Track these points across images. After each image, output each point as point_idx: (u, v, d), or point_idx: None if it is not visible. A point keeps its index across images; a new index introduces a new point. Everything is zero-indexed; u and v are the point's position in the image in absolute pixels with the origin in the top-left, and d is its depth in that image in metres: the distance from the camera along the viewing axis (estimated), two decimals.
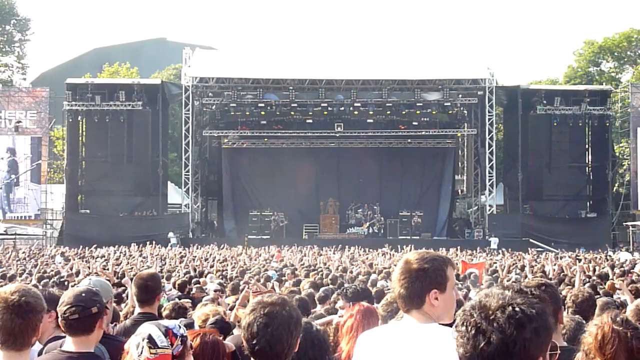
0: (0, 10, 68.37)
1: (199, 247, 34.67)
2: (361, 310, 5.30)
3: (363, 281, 13.38)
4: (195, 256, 28.11)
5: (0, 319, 3.93)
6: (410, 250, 19.54)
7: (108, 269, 17.80)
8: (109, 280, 8.44)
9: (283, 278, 15.72)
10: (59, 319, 4.57)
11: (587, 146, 45.19)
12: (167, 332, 4.00)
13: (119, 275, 16.03)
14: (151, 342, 3.97)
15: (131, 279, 9.40)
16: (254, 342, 3.73)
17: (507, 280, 14.10)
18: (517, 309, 2.36)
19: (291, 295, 8.24)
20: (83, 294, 4.61)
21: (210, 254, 29.33)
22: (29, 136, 46.40)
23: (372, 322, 5.10)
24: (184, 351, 4.01)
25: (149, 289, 7.27)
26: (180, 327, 4.10)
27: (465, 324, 2.36)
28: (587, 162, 45.24)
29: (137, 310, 7.12)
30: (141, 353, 3.96)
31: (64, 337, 4.69)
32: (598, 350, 3.25)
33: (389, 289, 8.78)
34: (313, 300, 9.22)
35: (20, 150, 46.17)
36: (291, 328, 3.83)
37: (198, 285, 13.45)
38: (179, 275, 16.31)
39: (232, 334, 6.18)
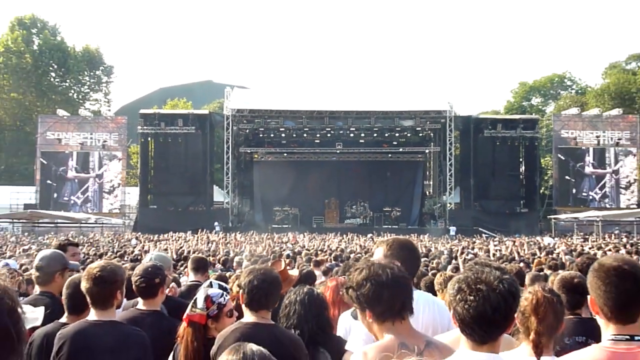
0: (92, 60, 68.91)
1: (237, 233, 34.62)
2: (334, 286, 4.84)
3: (355, 259, 13.33)
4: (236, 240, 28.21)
5: (89, 287, 3.98)
6: (388, 235, 19.39)
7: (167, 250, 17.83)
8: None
9: (298, 257, 15.69)
10: (133, 286, 4.65)
11: (520, 160, 45.07)
12: (207, 298, 4.09)
13: (179, 253, 16.06)
14: (194, 303, 4.12)
15: (186, 258, 9.39)
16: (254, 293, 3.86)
17: (462, 259, 13.97)
18: (511, 282, 2.40)
19: (302, 269, 8.26)
20: (149, 269, 4.70)
21: (246, 239, 29.38)
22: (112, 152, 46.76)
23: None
24: (219, 314, 4.05)
25: (200, 263, 7.43)
26: (222, 295, 4.12)
27: (472, 292, 2.34)
28: (521, 171, 45.14)
29: (192, 277, 7.27)
30: (189, 310, 4.13)
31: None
32: (533, 311, 3.25)
33: None
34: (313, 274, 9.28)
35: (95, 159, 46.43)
36: (277, 285, 3.99)
37: (236, 261, 13.44)
38: (222, 254, 16.35)
39: None
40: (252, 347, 2.40)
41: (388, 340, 2.83)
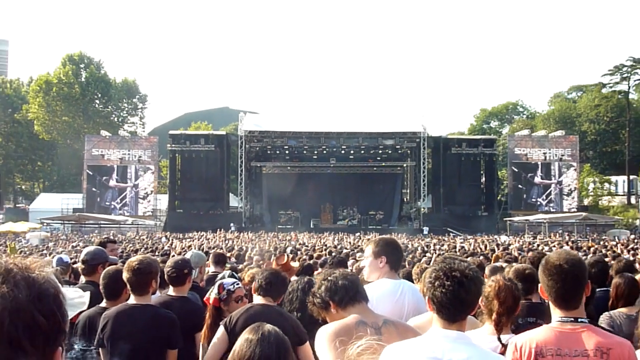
0: (130, 90, 68.94)
1: (248, 233, 34.52)
2: None
3: (346, 254, 13.29)
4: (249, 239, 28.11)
5: (129, 277, 3.98)
6: (375, 236, 19.27)
7: (192, 246, 17.77)
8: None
9: (298, 252, 15.63)
10: (165, 276, 4.66)
11: (481, 172, 45.14)
12: (220, 286, 4.27)
13: (201, 249, 15.99)
14: (212, 289, 4.31)
15: (207, 253, 9.33)
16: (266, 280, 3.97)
17: (437, 254, 13.94)
18: (477, 271, 2.45)
19: (303, 262, 8.22)
20: (179, 262, 4.76)
21: (256, 237, 29.30)
22: (146, 165, 46.63)
23: None
24: (228, 299, 4.19)
25: (220, 257, 7.34)
26: (232, 284, 4.24)
27: (448, 279, 2.35)
28: (481, 182, 45.21)
29: (212, 269, 7.19)
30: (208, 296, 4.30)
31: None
32: (495, 296, 3.29)
33: (360, 259, 8.69)
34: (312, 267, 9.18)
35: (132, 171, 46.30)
36: (284, 282, 4.14)
37: (247, 255, 13.39)
38: (236, 249, 16.28)
39: None
40: (269, 327, 2.40)
41: (348, 318, 2.84)
